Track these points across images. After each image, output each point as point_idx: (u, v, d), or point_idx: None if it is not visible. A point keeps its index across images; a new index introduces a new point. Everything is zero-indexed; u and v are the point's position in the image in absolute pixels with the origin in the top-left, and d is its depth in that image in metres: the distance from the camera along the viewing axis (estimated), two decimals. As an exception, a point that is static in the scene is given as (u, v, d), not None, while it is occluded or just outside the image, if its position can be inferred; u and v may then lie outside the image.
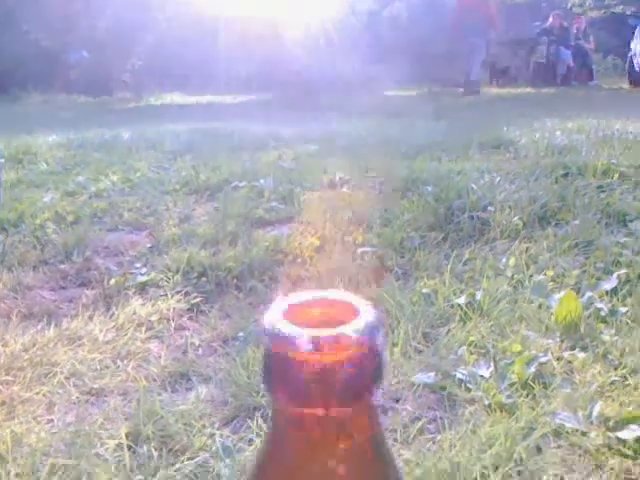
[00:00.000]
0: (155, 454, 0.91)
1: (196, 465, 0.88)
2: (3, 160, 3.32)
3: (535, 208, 1.92)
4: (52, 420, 1.09)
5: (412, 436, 0.92)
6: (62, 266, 2.00)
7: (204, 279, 1.77)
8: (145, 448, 0.92)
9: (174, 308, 1.61)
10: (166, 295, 1.68)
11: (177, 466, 0.88)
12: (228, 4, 10.09)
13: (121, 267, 1.95)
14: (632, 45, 11.02)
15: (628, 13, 15.43)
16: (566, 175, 2.15)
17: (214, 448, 0.91)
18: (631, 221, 1.76)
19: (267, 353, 0.27)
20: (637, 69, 10.75)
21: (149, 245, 2.12)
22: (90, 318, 1.55)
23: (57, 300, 1.78)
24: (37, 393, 1.18)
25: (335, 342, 0.26)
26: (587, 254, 1.60)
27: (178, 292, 1.70)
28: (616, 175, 2.06)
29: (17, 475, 0.86)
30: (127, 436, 0.96)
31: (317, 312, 0.28)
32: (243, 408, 1.00)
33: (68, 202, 2.62)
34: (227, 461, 0.85)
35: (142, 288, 1.76)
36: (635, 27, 11.15)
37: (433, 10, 12.95)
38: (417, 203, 2.11)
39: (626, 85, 11.36)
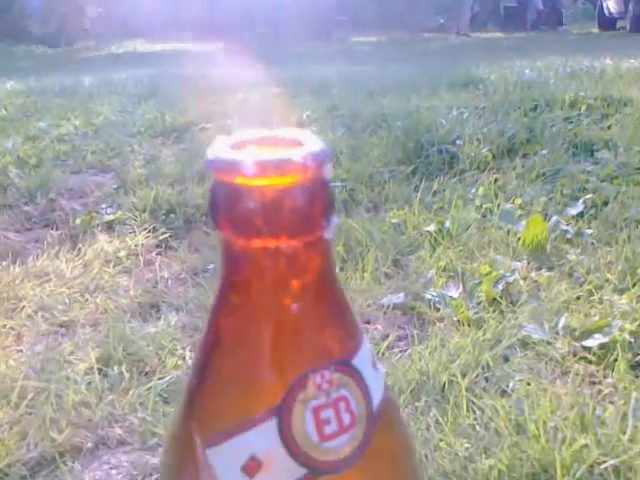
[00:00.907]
0: (127, 375, 0.91)
1: (168, 383, 0.88)
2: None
3: (503, 140, 1.92)
4: (21, 350, 1.07)
5: (382, 352, 0.93)
6: (26, 208, 1.96)
7: (172, 216, 1.75)
8: (116, 370, 0.92)
9: (142, 244, 1.59)
10: (134, 232, 1.65)
11: (149, 385, 0.88)
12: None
13: (86, 208, 1.91)
14: (603, -10, 10.96)
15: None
16: (534, 108, 2.15)
17: (185, 368, 0.91)
18: (597, 150, 1.77)
19: (212, 186, 0.26)
20: (606, 13, 10.72)
21: (115, 186, 2.08)
22: (56, 255, 1.53)
23: (22, 241, 1.74)
24: (4, 326, 1.17)
25: (281, 165, 0.25)
26: (554, 182, 1.61)
27: (146, 229, 1.67)
28: (583, 107, 2.07)
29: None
30: (97, 361, 0.95)
31: (263, 145, 0.28)
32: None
33: (30, 146, 2.55)
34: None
35: (109, 226, 1.74)
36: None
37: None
38: (386, 139, 2.10)
39: (595, 30, 11.34)
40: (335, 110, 2.62)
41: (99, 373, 0.92)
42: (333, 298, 0.28)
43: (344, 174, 1.93)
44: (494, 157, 1.88)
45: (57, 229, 1.78)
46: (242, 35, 10.20)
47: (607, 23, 10.84)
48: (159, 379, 0.90)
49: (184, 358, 0.97)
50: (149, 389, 0.87)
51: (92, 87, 4.19)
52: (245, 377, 0.27)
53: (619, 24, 10.79)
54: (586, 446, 0.67)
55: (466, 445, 0.69)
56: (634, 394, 0.76)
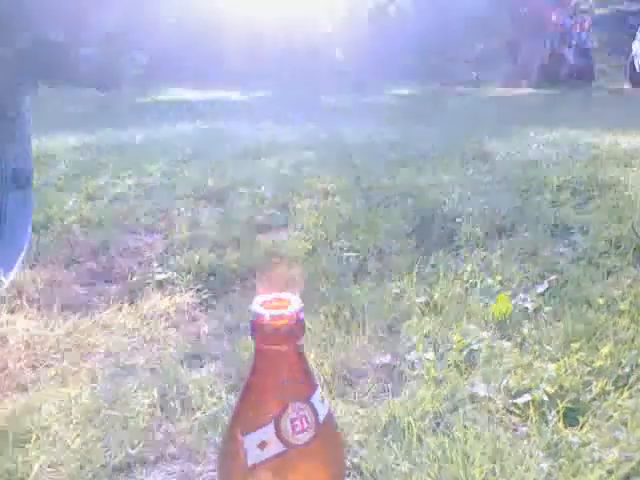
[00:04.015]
0: (179, 409, 1.25)
1: (208, 417, 1.22)
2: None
3: (496, 220, 2.25)
4: (95, 387, 1.42)
5: (366, 402, 1.26)
6: (89, 264, 2.35)
7: (212, 278, 2.11)
8: (171, 404, 1.26)
9: (188, 302, 1.94)
10: (181, 291, 2.01)
11: (194, 417, 1.22)
12: (237, 2, 10.36)
13: (141, 266, 2.29)
14: (633, 46, 11.22)
15: (632, 9, 15.62)
16: (527, 190, 2.48)
17: (222, 405, 1.24)
18: (573, 233, 2.08)
19: (251, 323, 0.61)
20: (638, 70, 10.97)
21: (164, 247, 2.46)
22: (119, 309, 1.89)
23: (88, 294, 2.12)
24: (82, 367, 1.52)
25: (282, 315, 0.60)
26: (530, 261, 1.93)
27: (191, 289, 2.03)
28: (569, 191, 2.39)
29: (80, 423, 1.20)
30: (158, 398, 1.29)
31: (274, 303, 0.63)
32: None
33: (90, 206, 2.96)
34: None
35: (160, 285, 2.10)
36: (637, 27, 11.31)
37: (437, 5, 13.18)
38: (397, 214, 2.44)
39: (627, 85, 11.54)
40: (357, 183, 2.99)
41: (158, 406, 1.26)
42: (303, 371, 0.63)
43: (358, 245, 2.28)
44: (486, 235, 2.20)
45: (117, 285, 2.16)
46: (284, 85, 10.75)
47: (638, 79, 11.06)
48: (202, 413, 1.23)
49: (220, 397, 1.30)
50: (194, 419, 1.21)
51: (143, 145, 4.65)
52: (260, 404, 0.62)
53: (650, 79, 10.96)
54: (492, 470, 0.97)
55: (409, 466, 1.01)
56: (534, 434, 1.07)
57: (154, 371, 1.48)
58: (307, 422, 0.63)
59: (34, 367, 1.56)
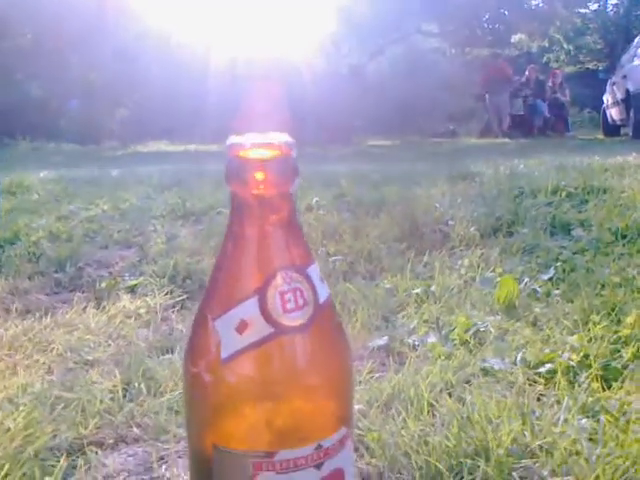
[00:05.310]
0: (144, 391, 1.06)
1: (179, 397, 1.04)
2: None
3: (490, 221, 2.12)
4: (52, 380, 1.23)
5: (363, 377, 1.09)
6: (56, 275, 2.16)
7: (189, 281, 1.94)
8: (135, 387, 1.08)
9: (160, 303, 1.77)
10: (154, 293, 1.84)
11: (163, 399, 1.04)
12: (216, 60, 10.48)
13: (112, 275, 2.11)
14: (605, 98, 11.52)
15: (600, 68, 16.21)
16: (520, 194, 2.37)
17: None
18: (573, 229, 1.96)
19: (227, 160, 0.45)
20: (610, 121, 11.22)
21: (138, 258, 2.29)
22: (83, 310, 1.71)
23: (52, 301, 1.93)
24: (37, 361, 1.33)
25: (267, 144, 0.44)
26: (531, 255, 1.79)
27: (165, 292, 1.86)
28: (564, 194, 2.28)
29: (26, 407, 1.01)
30: (121, 382, 1.11)
31: (259, 138, 0.47)
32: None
33: (61, 224, 2.79)
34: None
35: (131, 290, 1.92)
36: (606, 81, 11.66)
37: (414, 65, 13.53)
38: (385, 220, 2.31)
39: (601, 136, 11.80)
40: (341, 197, 2.86)
41: (122, 390, 1.08)
42: (296, 230, 0.47)
43: (346, 249, 2.13)
44: (482, 236, 2.07)
45: (84, 292, 1.97)
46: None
47: (611, 130, 11.31)
48: (171, 394, 1.05)
49: (194, 382, 1.12)
50: (163, 401, 1.03)
51: (119, 177, 4.52)
52: (239, 273, 0.45)
53: (623, 131, 11.23)
54: (522, 432, 0.81)
55: (423, 429, 0.84)
56: (566, 397, 0.90)
57: (119, 362, 1.29)
58: (303, 298, 0.47)
59: (-18, 364, 1.37)
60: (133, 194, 3.62)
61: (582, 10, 16.16)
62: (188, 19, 10.39)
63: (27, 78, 13.07)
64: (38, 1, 10.35)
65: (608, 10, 18.06)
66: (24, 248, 2.41)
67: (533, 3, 14.30)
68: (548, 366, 1.05)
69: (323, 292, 0.48)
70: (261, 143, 0.45)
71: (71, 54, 11.69)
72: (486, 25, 14.32)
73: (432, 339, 1.28)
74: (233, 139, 0.47)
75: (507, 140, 11.37)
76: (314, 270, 0.48)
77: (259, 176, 0.45)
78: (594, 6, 17.16)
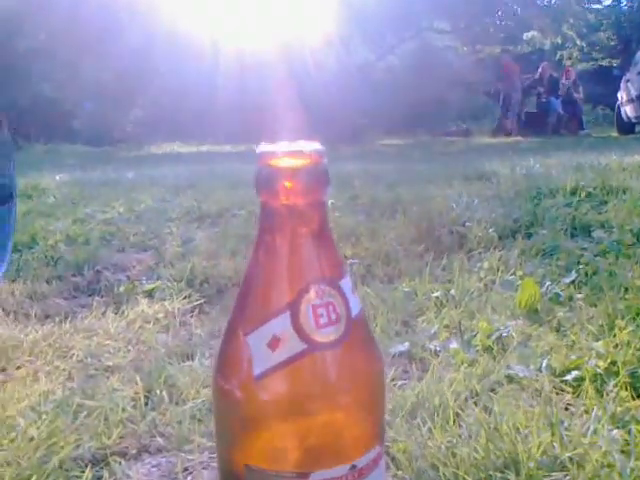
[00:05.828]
0: (166, 399, 1.06)
1: (201, 407, 1.03)
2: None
3: (509, 223, 2.10)
4: (73, 387, 1.23)
5: (386, 386, 1.07)
6: (74, 279, 2.17)
7: (206, 285, 1.93)
8: (157, 395, 1.07)
9: (179, 308, 1.76)
10: (172, 298, 1.84)
11: (185, 407, 1.03)
12: (228, 59, 10.50)
13: (129, 279, 2.11)
14: (619, 95, 11.41)
15: (614, 65, 16.06)
16: (538, 195, 2.34)
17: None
18: (594, 230, 1.93)
19: (257, 169, 0.45)
20: (625, 118, 11.12)
21: (155, 262, 2.29)
22: (103, 315, 1.71)
23: (71, 305, 1.93)
24: (57, 368, 1.33)
25: (296, 153, 0.43)
26: (552, 257, 1.77)
27: (182, 296, 1.86)
28: (583, 194, 2.26)
29: (49, 415, 1.01)
30: (142, 389, 1.11)
31: (288, 148, 0.46)
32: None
33: (78, 227, 2.80)
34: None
35: (149, 294, 1.92)
36: (621, 78, 11.55)
37: (425, 63, 13.48)
38: (402, 221, 2.29)
39: (615, 133, 11.69)
40: (356, 198, 2.85)
41: (144, 398, 1.08)
42: (328, 241, 0.46)
43: (362, 252, 2.12)
44: (500, 237, 2.05)
45: (102, 296, 1.98)
46: (279, 139, 10.76)
47: (626, 127, 11.20)
48: (194, 402, 1.05)
49: (215, 389, 1.12)
50: (185, 410, 1.02)
51: (135, 180, 4.54)
52: (270, 286, 0.45)
53: (638, 128, 11.12)
54: (551, 443, 0.79)
55: (450, 440, 0.83)
56: (595, 407, 0.89)
57: (139, 369, 1.29)
58: (335, 313, 0.46)
59: (4, 370, 1.37)
60: (148, 196, 3.64)
61: (595, 6, 16.02)
62: (198, 15, 10.40)
63: (41, 79, 13.19)
64: (51, 3, 10.42)
65: (622, 5, 17.89)
66: (42, 252, 2.42)
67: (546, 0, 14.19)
68: (575, 373, 1.03)
69: (355, 305, 0.47)
70: (292, 151, 0.44)
71: (84, 55, 11.76)
72: (498, 22, 14.22)
73: (454, 345, 1.26)
74: (263, 147, 0.46)
75: (520, 138, 11.31)
76: (346, 282, 0.47)
77: (290, 185, 0.44)
78: (608, 1, 17.00)
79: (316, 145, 0.46)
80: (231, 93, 10.12)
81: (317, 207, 0.45)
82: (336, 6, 10.79)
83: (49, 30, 11.12)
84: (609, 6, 17.08)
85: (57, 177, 4.76)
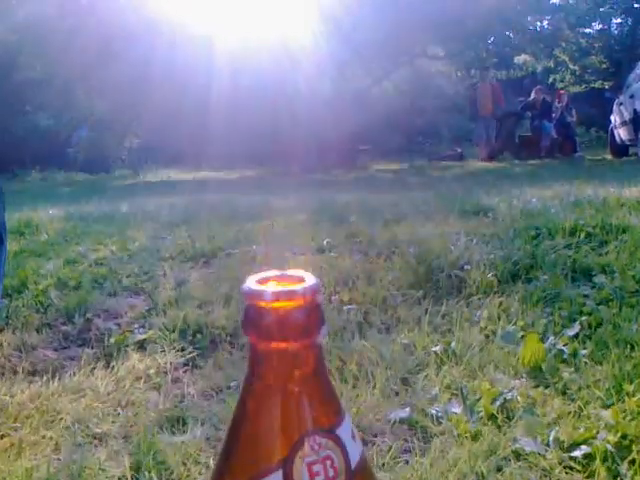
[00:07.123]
0: (155, 480, 1.01)
1: (192, 489, 0.98)
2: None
3: (508, 266, 2.06)
4: (59, 459, 1.18)
5: (387, 462, 1.02)
6: (64, 328, 2.11)
7: (199, 336, 1.88)
8: (147, 476, 1.02)
9: (171, 362, 1.71)
10: (164, 351, 1.78)
11: (175, 490, 0.98)
12: (223, 86, 10.53)
13: (120, 327, 2.06)
14: (612, 118, 11.47)
15: (606, 87, 16.20)
16: (537, 236, 2.31)
17: (209, 475, 1.00)
18: (595, 275, 1.89)
19: (244, 307, 0.40)
20: (618, 141, 11.16)
21: (147, 307, 2.24)
22: (92, 372, 1.65)
23: (60, 358, 1.88)
24: (44, 437, 1.28)
25: (288, 294, 0.39)
26: (554, 305, 1.73)
27: (175, 348, 1.81)
28: (583, 234, 2.22)
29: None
30: (130, 468, 1.05)
31: (279, 281, 0.42)
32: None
33: (69, 269, 2.75)
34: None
35: (141, 345, 1.87)
36: (613, 100, 11.61)
37: (419, 88, 13.58)
38: (399, 264, 2.25)
39: (609, 156, 11.72)
40: (353, 237, 2.81)
41: (131, 479, 1.02)
42: (324, 385, 0.42)
43: (360, 298, 2.07)
44: (499, 282, 2.01)
45: (92, 348, 1.92)
46: (274, 165, 10.80)
47: (620, 150, 11.24)
48: (184, 484, 0.99)
49: (208, 466, 1.06)
50: (175, 493, 0.97)
51: (129, 214, 4.49)
52: (260, 440, 0.40)
53: (631, 150, 11.15)
54: None
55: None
56: (608, 498, 0.84)
57: (128, 439, 1.24)
58: (333, 468, 0.41)
59: (-13, 439, 1.32)
60: (142, 233, 3.59)
61: (587, 30, 16.19)
62: (193, 43, 10.45)
63: (36, 109, 13.22)
64: (46, 36, 10.47)
65: (612, 29, 18.10)
66: (32, 297, 2.37)
67: (538, 25, 14.34)
68: (584, 449, 0.98)
69: (355, 454, 0.42)
70: (282, 292, 0.40)
71: (79, 84, 11.80)
72: (491, 47, 14.36)
73: (456, 409, 1.22)
74: (251, 284, 0.41)
75: (515, 162, 11.32)
76: (345, 429, 0.43)
77: (280, 329, 0.40)
78: (599, 26, 17.20)
79: (309, 278, 0.41)
80: (225, 120, 10.13)
81: (310, 350, 0.41)
82: (331, 32, 10.86)
83: (44, 61, 11.17)
84: (600, 30, 17.29)
85: (50, 211, 4.71)
